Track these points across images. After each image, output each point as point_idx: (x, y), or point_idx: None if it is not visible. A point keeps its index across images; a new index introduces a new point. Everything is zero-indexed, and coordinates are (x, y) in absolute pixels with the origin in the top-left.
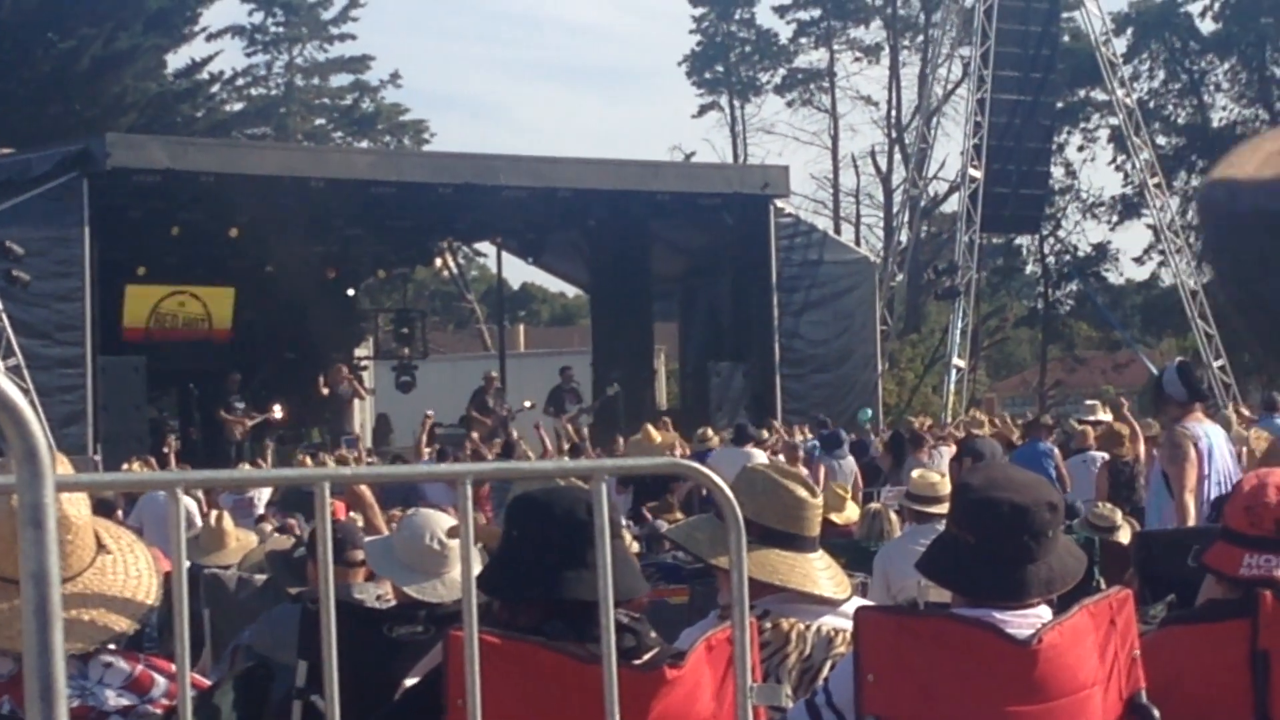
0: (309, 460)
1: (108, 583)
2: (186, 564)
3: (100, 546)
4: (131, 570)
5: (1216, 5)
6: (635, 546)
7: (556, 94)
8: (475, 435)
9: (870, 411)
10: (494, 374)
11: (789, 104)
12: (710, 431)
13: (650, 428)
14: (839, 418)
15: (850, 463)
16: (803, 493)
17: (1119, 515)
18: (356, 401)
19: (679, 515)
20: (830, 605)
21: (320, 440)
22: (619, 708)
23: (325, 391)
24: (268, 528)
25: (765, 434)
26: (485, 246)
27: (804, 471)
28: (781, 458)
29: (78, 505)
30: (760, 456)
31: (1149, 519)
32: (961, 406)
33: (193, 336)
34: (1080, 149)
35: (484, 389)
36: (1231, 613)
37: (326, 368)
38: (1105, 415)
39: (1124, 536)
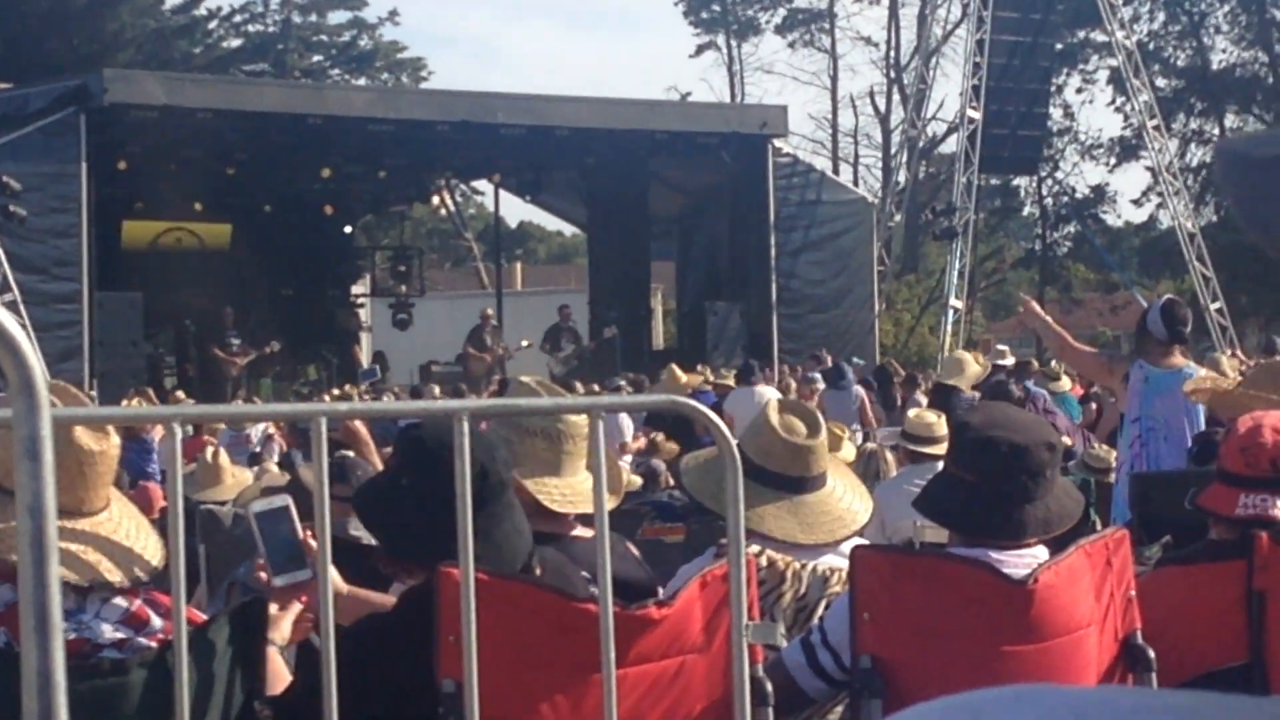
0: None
1: (122, 531)
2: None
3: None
4: (137, 521)
5: None
6: (635, 482)
7: (552, 33)
8: (472, 371)
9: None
10: (491, 312)
11: (790, 44)
12: (707, 371)
13: (676, 368)
14: (833, 353)
15: (857, 390)
16: (795, 434)
17: (1113, 456)
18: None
19: (674, 445)
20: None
21: (317, 377)
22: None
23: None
24: (272, 468)
25: (767, 370)
26: (483, 184)
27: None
28: (797, 394)
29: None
30: (770, 393)
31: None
32: (958, 347)
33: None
34: (1079, 91)
35: (481, 326)
36: (1227, 553)
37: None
38: (1009, 360)
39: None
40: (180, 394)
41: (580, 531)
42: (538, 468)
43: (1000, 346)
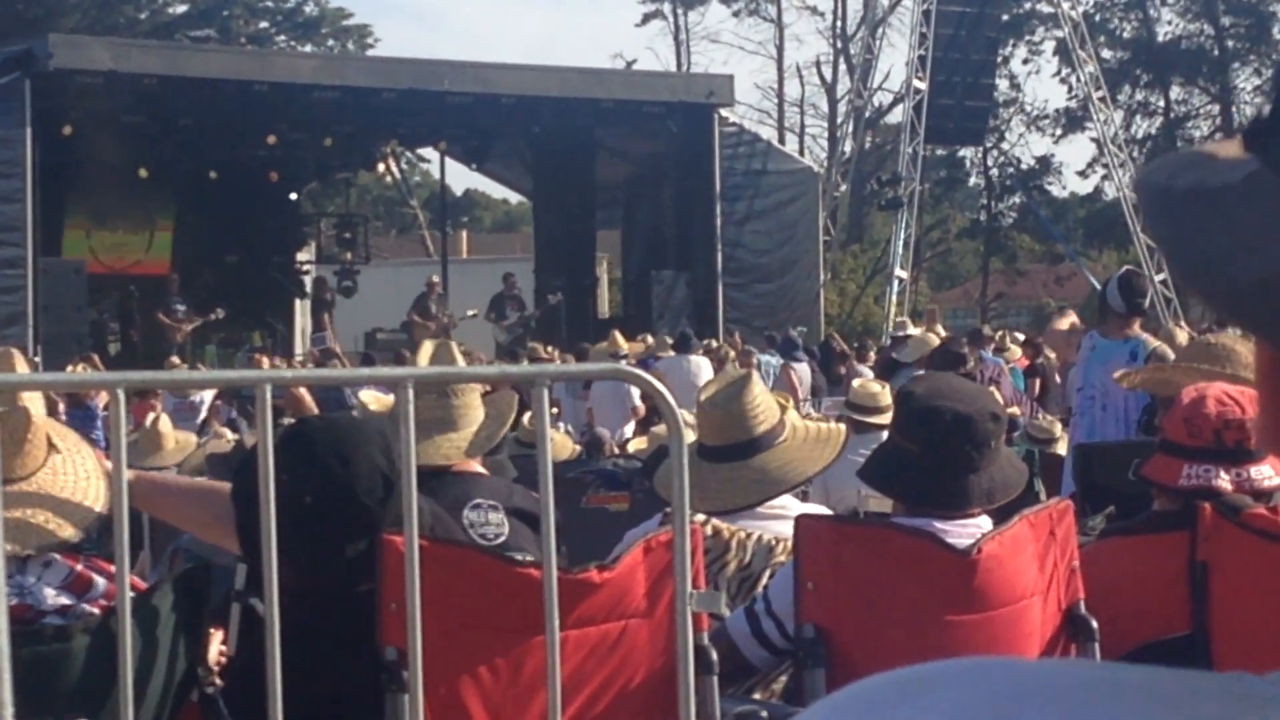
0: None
1: (59, 484)
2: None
3: (50, 446)
4: (80, 471)
5: None
6: (576, 450)
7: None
8: (417, 339)
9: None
10: (436, 279)
11: (735, 14)
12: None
13: (618, 335)
14: (780, 329)
15: (804, 367)
16: (715, 403)
17: (1058, 427)
18: (297, 303)
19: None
20: (774, 515)
21: (262, 343)
22: (543, 609)
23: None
24: (225, 432)
25: (713, 343)
26: (429, 152)
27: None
28: (736, 364)
29: (35, 404)
30: (705, 364)
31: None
32: (903, 317)
33: (132, 252)
34: (1025, 62)
35: (427, 294)
36: (1170, 524)
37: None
38: (916, 331)
39: (1063, 448)
40: (175, 359)
41: (479, 468)
42: (433, 427)
43: (901, 318)
